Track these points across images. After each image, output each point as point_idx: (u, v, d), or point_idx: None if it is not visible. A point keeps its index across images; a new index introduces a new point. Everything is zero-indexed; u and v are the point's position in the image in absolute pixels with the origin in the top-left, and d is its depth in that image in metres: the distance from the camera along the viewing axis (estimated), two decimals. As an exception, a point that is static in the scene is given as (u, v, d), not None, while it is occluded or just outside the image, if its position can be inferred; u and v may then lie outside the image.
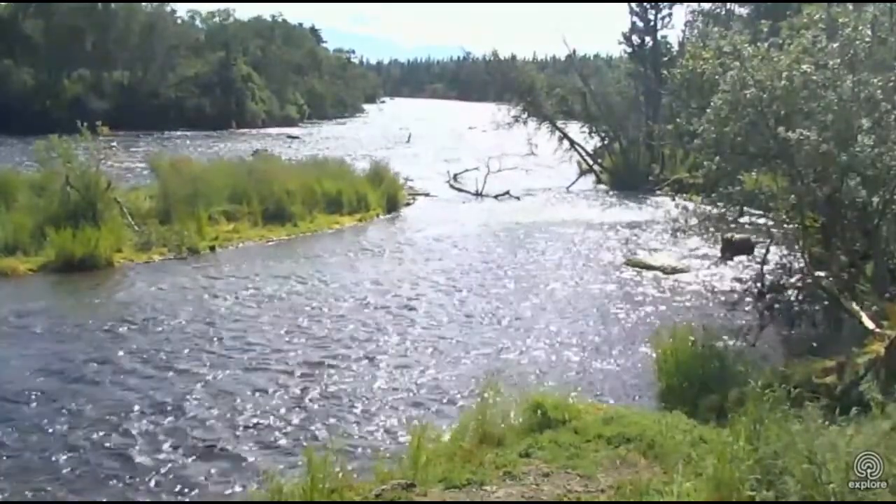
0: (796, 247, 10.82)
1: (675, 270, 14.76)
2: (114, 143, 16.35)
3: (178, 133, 46.62)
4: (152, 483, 6.26)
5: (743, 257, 14.85)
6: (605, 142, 31.87)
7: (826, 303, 9.76)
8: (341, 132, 57.49)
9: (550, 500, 5.05)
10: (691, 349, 7.61)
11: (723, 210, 10.92)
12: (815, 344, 9.19)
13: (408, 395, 8.28)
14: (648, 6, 32.32)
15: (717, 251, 15.33)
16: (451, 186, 27.16)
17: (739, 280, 12.48)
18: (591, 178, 30.76)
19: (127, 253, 14.40)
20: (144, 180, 21.44)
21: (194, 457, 6.71)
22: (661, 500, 4.78)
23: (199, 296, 12.06)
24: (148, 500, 6.05)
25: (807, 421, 4.36)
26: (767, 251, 11.78)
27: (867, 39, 9.26)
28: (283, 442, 7.06)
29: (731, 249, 15.17)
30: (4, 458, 6.58)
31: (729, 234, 14.83)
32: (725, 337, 8.38)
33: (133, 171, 24.52)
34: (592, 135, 32.33)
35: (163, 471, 6.44)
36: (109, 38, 52.86)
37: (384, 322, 10.99)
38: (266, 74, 65.35)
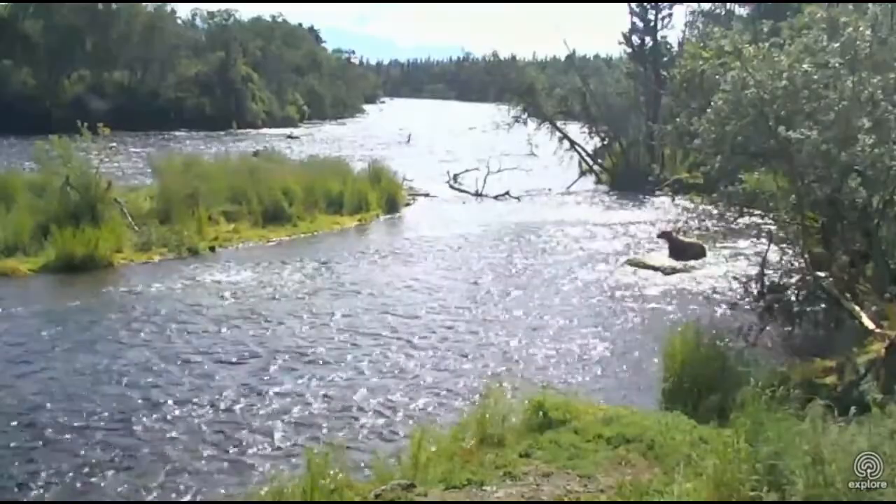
0: (796, 247, 10.83)
1: (675, 270, 14.76)
2: (113, 144, 16.33)
3: (178, 133, 46.59)
4: (153, 482, 6.26)
5: (743, 257, 14.86)
6: (605, 142, 31.87)
7: (826, 303, 9.76)
8: (341, 132, 57.48)
9: (550, 501, 5.04)
10: (693, 349, 7.60)
11: (723, 210, 10.93)
12: (815, 344, 9.20)
13: (408, 396, 8.28)
14: (648, 6, 32.27)
15: (716, 251, 15.39)
16: (451, 187, 27.14)
17: (739, 280, 12.49)
18: (591, 178, 30.80)
19: (127, 253, 14.41)
20: (145, 179, 21.46)
21: (195, 456, 6.71)
22: (662, 500, 4.77)
23: (198, 296, 12.06)
24: (149, 499, 6.05)
25: (813, 419, 4.34)
26: (767, 251, 11.78)
27: (867, 39, 9.25)
28: (283, 441, 7.06)
29: (681, 253, 15.35)
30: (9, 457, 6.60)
31: (681, 238, 15.14)
32: (726, 337, 8.36)
33: (132, 171, 24.54)
34: (592, 135, 32.33)
35: (164, 470, 6.45)
36: (110, 38, 52.78)
37: (386, 322, 10.98)
38: (266, 75, 65.29)
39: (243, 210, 17.89)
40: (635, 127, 30.85)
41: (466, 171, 28.64)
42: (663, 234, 16.43)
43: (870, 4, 10.14)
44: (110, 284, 12.71)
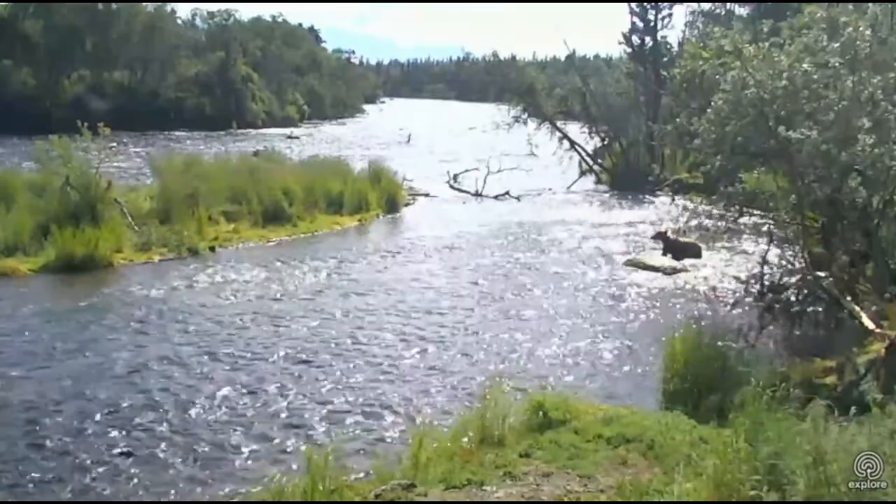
0: (796, 247, 10.83)
1: (675, 270, 14.76)
2: (113, 144, 16.34)
3: (178, 133, 46.58)
4: (153, 482, 6.26)
5: (743, 257, 14.85)
6: (605, 142, 31.90)
7: (826, 303, 9.76)
8: (341, 132, 57.49)
9: (550, 501, 5.04)
10: (693, 349, 7.61)
11: (723, 211, 10.94)
12: (815, 344, 9.19)
13: (409, 396, 8.27)
14: (648, 6, 32.30)
15: (716, 251, 15.37)
16: (451, 187, 27.14)
17: (739, 280, 12.49)
18: (591, 178, 30.82)
19: (127, 253, 14.41)
20: (145, 179, 21.46)
21: (195, 456, 6.71)
22: (662, 500, 4.77)
23: (198, 296, 12.06)
24: (149, 500, 6.05)
25: (814, 419, 4.34)
26: (767, 251, 11.77)
27: (867, 39, 9.25)
28: (283, 442, 7.06)
29: (678, 254, 15.34)
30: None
31: (674, 237, 15.14)
32: (726, 337, 8.38)
33: (132, 171, 24.54)
34: (592, 135, 32.37)
35: (164, 470, 6.45)
36: (110, 38, 52.74)
37: (386, 322, 10.98)
38: (266, 75, 65.27)
39: (243, 210, 17.88)
40: (635, 127, 30.88)
41: (466, 171, 28.63)
42: (658, 235, 16.39)
43: (870, 4, 10.14)
44: (110, 284, 12.71)
